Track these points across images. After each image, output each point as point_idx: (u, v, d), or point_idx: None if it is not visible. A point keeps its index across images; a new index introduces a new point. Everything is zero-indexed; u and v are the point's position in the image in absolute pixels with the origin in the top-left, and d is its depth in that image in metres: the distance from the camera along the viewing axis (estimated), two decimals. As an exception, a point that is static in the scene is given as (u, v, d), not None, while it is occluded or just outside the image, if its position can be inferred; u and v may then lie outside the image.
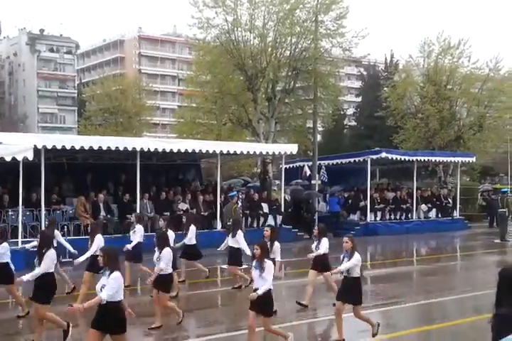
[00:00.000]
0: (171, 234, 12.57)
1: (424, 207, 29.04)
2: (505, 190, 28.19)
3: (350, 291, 9.46)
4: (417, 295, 13.63)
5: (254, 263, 8.70)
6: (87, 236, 19.01)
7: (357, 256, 9.59)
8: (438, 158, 29.76)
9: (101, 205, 20.31)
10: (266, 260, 8.56)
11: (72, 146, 18.40)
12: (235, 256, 13.79)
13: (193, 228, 14.59)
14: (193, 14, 28.25)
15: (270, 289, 8.49)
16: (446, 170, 34.43)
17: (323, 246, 11.70)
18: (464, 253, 22.65)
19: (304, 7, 28.61)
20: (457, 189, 30.62)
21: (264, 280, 8.43)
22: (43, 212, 18.28)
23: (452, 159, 30.48)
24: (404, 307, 12.26)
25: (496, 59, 35.21)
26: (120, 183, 22.50)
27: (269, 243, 10.75)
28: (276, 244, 11.50)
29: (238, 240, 13.75)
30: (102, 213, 20.12)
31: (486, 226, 31.15)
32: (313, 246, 11.89)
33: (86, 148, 18.66)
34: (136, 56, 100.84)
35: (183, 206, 22.11)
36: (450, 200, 29.92)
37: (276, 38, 28.49)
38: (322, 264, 11.84)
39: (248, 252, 13.11)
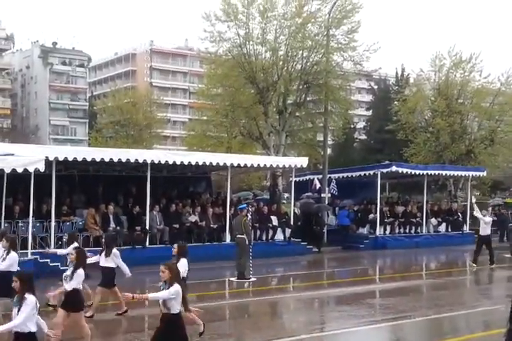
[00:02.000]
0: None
1: (433, 221, 28.92)
2: (516, 204, 28.07)
3: (174, 333, 7.79)
4: (427, 310, 13.54)
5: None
6: (96, 248, 19.17)
7: (176, 288, 7.72)
8: (448, 172, 29.65)
9: (111, 217, 20.34)
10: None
11: (84, 158, 18.48)
12: (108, 278, 12.08)
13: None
14: (205, 28, 28.51)
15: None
16: (457, 184, 34.32)
17: (182, 268, 10.18)
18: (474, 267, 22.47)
19: (315, 21, 28.75)
20: (467, 203, 30.47)
21: None
22: (53, 223, 18.33)
23: (463, 173, 30.38)
24: (414, 321, 12.18)
25: (507, 73, 35.27)
26: (130, 195, 22.55)
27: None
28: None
29: (114, 260, 12.23)
30: (112, 225, 20.15)
31: (497, 241, 30.93)
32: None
33: (97, 160, 18.73)
34: (147, 69, 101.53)
35: (193, 218, 22.14)
36: (460, 214, 29.79)
37: (287, 51, 28.62)
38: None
39: (128, 273, 12.20)
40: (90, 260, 11.20)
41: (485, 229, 20.50)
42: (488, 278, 19.19)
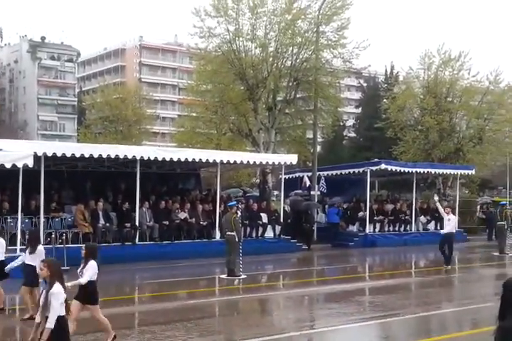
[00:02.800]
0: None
1: (422, 218, 29.03)
2: (504, 202, 28.15)
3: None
4: (415, 307, 13.59)
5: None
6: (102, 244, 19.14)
7: (57, 287, 7.06)
8: (437, 170, 29.76)
9: (100, 213, 20.28)
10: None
11: (73, 154, 18.40)
12: (32, 276, 11.13)
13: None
14: (194, 23, 28.36)
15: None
16: (446, 183, 34.46)
17: (89, 272, 9.36)
18: (463, 265, 22.59)
19: (305, 18, 28.71)
20: (456, 201, 30.63)
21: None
22: (42, 219, 18.25)
23: (451, 171, 30.51)
24: (402, 319, 12.21)
25: (495, 72, 35.42)
26: (119, 191, 22.47)
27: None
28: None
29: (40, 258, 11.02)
30: (101, 221, 20.09)
31: (485, 239, 31.14)
32: (78, 270, 9.55)
33: (86, 155, 18.66)
34: (136, 65, 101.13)
35: (182, 215, 22.10)
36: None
37: (277, 48, 28.56)
38: (88, 295, 9.49)
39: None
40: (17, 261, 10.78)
41: (448, 227, 20.10)
42: (476, 276, 19.25)
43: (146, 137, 62.75)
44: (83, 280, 9.26)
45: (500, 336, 4.33)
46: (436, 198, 22.01)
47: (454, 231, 20.42)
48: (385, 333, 11.40)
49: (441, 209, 20.75)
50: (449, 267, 19.57)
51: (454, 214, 21.93)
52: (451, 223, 20.00)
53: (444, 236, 20.00)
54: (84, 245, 10.28)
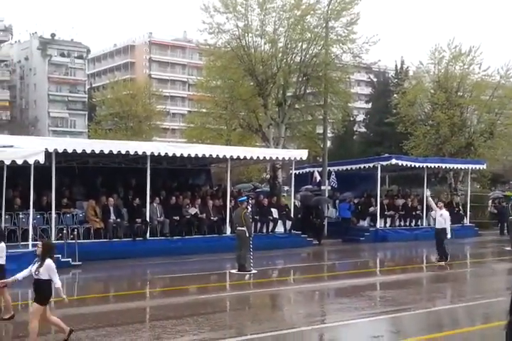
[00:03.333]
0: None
1: (433, 214, 28.88)
2: (515, 197, 28.06)
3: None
4: (427, 302, 13.56)
5: None
6: (97, 240, 19.26)
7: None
8: (448, 165, 29.63)
9: (111, 209, 20.37)
10: None
11: (83, 150, 18.49)
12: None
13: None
14: (203, 19, 28.34)
15: None
16: (457, 177, 34.33)
17: (52, 273, 8.94)
18: (475, 260, 22.53)
19: (314, 13, 28.61)
20: (468, 196, 30.50)
21: None
22: (53, 215, 18.35)
23: (463, 166, 30.38)
24: (414, 314, 12.19)
25: (506, 66, 35.14)
26: (130, 187, 22.54)
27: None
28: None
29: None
30: (112, 217, 20.17)
31: (497, 233, 30.99)
32: (33, 269, 9.05)
33: (97, 151, 18.75)
34: (146, 61, 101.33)
35: (193, 211, 22.15)
36: (460, 207, 29.83)
37: (286, 43, 28.50)
38: (39, 294, 9.03)
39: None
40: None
41: (440, 223, 19.56)
42: (488, 271, 19.17)
43: (156, 133, 62.88)
44: (58, 284, 8.95)
45: (511, 330, 4.32)
46: (428, 193, 21.69)
47: (446, 226, 19.60)
48: (396, 328, 11.39)
49: (433, 205, 20.44)
50: (443, 263, 19.15)
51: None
52: (441, 219, 19.52)
53: (436, 231, 19.72)
54: (40, 242, 9.70)
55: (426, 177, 28.58)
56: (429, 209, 28.46)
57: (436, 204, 20.39)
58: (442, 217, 19.55)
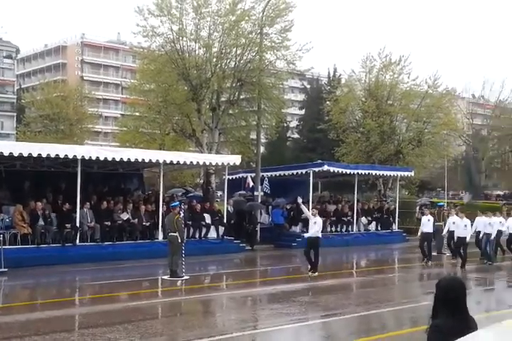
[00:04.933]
0: None
1: (364, 220, 29.52)
2: (442, 204, 28.90)
3: None
4: (356, 307, 13.81)
5: None
6: (24, 246, 18.73)
7: None
8: (378, 172, 30.33)
9: (39, 214, 19.85)
10: None
11: (11, 153, 17.95)
12: None
13: None
14: (137, 22, 28.01)
15: None
16: (386, 184, 35.13)
17: None
18: (402, 265, 23.08)
19: (249, 19, 28.76)
20: (396, 202, 31.27)
21: None
22: (-21, 220, 17.73)
23: (392, 173, 31.15)
24: (343, 318, 12.39)
25: (434, 76, 36.29)
26: (60, 192, 22.05)
27: None
28: None
29: None
30: (41, 222, 19.65)
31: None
32: None
33: (25, 154, 18.24)
34: (78, 62, 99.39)
35: (125, 216, 21.84)
36: (390, 214, 30.56)
37: (221, 48, 28.52)
38: None
39: None
40: None
41: (312, 230, 17.99)
42: (414, 276, 19.69)
43: (88, 136, 61.80)
44: None
45: (432, 334, 4.46)
46: (299, 200, 20.85)
47: (320, 235, 18.33)
48: (326, 332, 11.54)
49: (307, 212, 19.50)
50: (314, 274, 17.85)
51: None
52: (315, 226, 18.18)
53: (308, 240, 18.27)
54: None
55: (356, 184, 29.15)
56: (359, 214, 29.13)
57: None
58: (316, 225, 18.23)
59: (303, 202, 24.67)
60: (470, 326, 4.41)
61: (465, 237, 20.58)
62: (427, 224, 21.19)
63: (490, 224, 21.94)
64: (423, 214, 22.63)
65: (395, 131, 36.86)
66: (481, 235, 22.05)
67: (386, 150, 35.88)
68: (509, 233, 23.06)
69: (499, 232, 22.48)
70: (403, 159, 36.12)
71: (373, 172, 29.87)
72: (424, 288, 16.86)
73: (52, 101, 56.06)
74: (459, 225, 20.90)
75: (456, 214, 22.20)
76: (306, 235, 18.73)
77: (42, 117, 56.60)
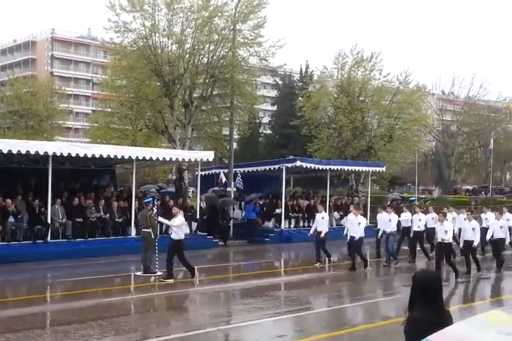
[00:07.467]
0: None
1: (336, 214, 29.72)
2: (413, 198, 29.28)
3: None
4: (328, 301, 13.94)
5: None
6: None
7: None
8: (350, 167, 30.58)
9: (9, 211, 19.62)
10: None
11: (-20, 149, 17.73)
12: None
13: None
14: (109, 17, 27.77)
15: None
16: (358, 179, 35.41)
17: None
18: (373, 259, 23.25)
19: (222, 15, 28.73)
20: (368, 197, 31.53)
21: None
22: None
23: (363, 168, 31.43)
24: (316, 312, 12.50)
25: (405, 73, 36.69)
26: (30, 188, 21.82)
27: None
28: None
29: None
30: (11, 219, 19.44)
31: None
32: None
33: (-6, 151, 18.01)
34: (48, 58, 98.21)
35: (98, 214, 21.72)
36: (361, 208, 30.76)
37: (194, 44, 28.45)
38: None
39: None
40: None
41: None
42: (388, 270, 19.88)
43: (59, 132, 61.10)
44: None
45: (409, 326, 4.52)
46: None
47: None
48: (299, 326, 11.63)
49: (166, 222, 17.94)
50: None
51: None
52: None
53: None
54: None
55: (329, 179, 29.34)
56: (331, 209, 29.32)
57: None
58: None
59: (274, 197, 24.74)
60: (446, 318, 4.49)
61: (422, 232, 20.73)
62: (417, 222, 20.65)
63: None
64: (385, 210, 22.20)
65: (366, 127, 37.19)
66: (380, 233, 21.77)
67: (358, 146, 36.17)
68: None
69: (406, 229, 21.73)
70: (375, 155, 36.45)
71: (345, 167, 30.11)
72: (396, 282, 17.11)
73: (21, 96, 55.34)
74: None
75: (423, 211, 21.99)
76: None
77: (11, 113, 55.86)
